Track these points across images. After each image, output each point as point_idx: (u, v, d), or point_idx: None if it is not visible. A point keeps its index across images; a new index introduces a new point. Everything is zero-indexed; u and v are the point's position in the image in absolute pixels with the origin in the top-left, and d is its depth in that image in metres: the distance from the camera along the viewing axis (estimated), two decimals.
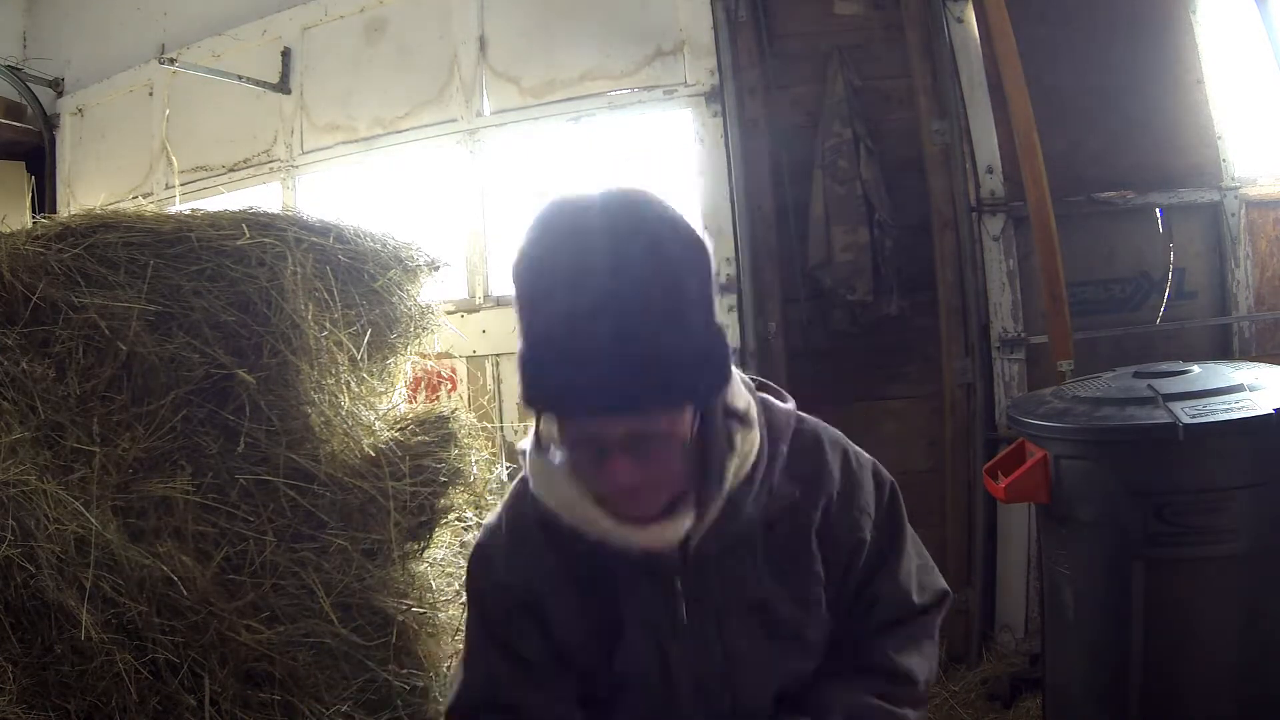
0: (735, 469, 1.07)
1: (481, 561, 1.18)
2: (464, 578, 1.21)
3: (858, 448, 1.23)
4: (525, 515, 1.13)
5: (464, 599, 2.50)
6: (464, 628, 1.20)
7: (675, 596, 1.11)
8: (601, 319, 0.91)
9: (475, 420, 2.66)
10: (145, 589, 1.76)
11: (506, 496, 1.20)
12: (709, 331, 0.98)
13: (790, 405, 1.19)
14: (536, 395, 0.98)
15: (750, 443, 1.09)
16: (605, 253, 0.93)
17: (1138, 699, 1.90)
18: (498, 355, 3.56)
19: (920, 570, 1.24)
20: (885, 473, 1.23)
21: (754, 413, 1.11)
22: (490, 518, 1.20)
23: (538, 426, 1.07)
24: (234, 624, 1.83)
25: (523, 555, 1.14)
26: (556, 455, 1.04)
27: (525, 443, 1.14)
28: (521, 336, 0.98)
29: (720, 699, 1.14)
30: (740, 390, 1.10)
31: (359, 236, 2.44)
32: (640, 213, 0.96)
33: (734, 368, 1.07)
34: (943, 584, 1.26)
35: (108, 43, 4.48)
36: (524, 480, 1.15)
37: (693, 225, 0.98)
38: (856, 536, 1.17)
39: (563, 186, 1.00)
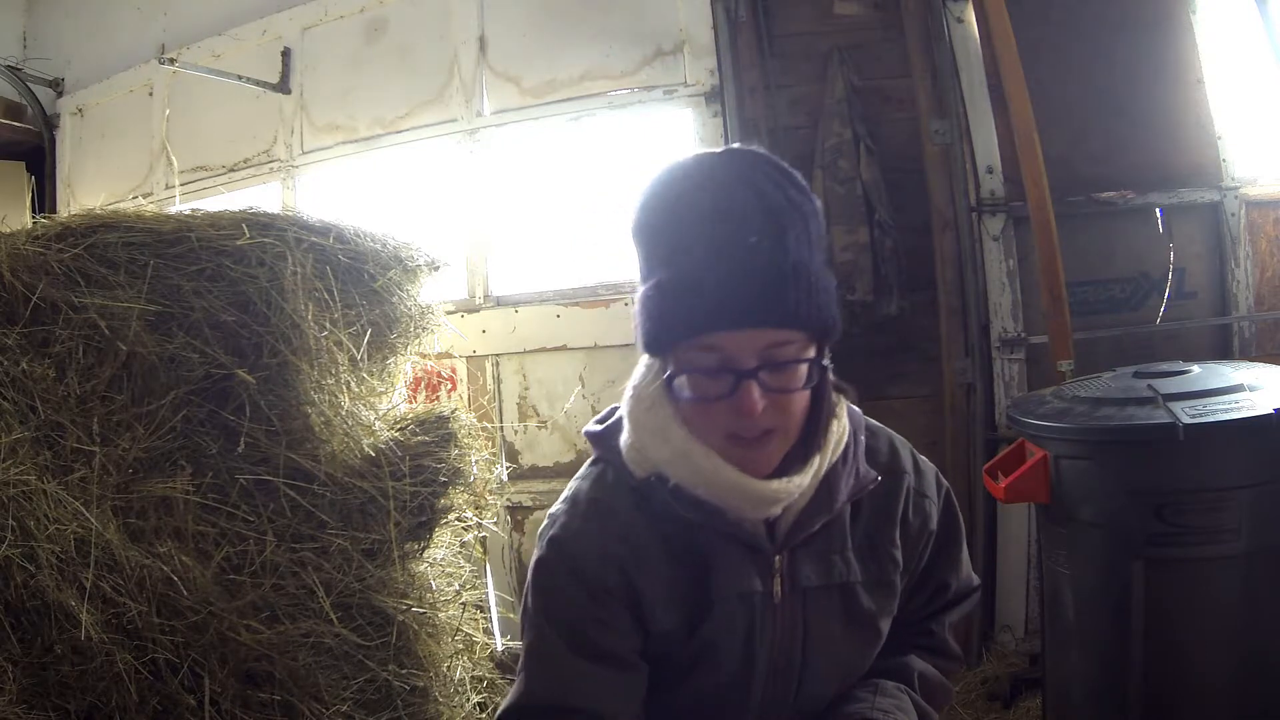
0: (835, 441, 1.09)
1: (558, 550, 1.10)
2: (530, 579, 1.12)
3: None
4: (610, 492, 1.10)
5: (464, 599, 2.51)
6: (523, 631, 1.13)
7: (773, 575, 1.10)
8: (748, 227, 0.94)
9: (475, 420, 2.66)
10: (145, 589, 1.76)
11: (578, 483, 1.15)
12: (829, 275, 1.01)
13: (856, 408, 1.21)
14: (674, 322, 0.97)
15: (843, 420, 1.11)
16: (741, 184, 0.97)
17: (1138, 699, 1.90)
18: (498, 355, 3.56)
19: (969, 561, 1.33)
20: (941, 476, 1.29)
21: (841, 396, 1.13)
22: (560, 507, 1.14)
23: (664, 372, 1.02)
24: (234, 624, 1.83)
25: (612, 532, 1.08)
26: (683, 392, 1.01)
27: (592, 425, 1.15)
28: (653, 274, 1.00)
29: (789, 682, 1.14)
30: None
31: (359, 236, 2.44)
32: (761, 159, 1.01)
33: None
34: (976, 576, 1.35)
35: (108, 43, 4.48)
36: (597, 462, 1.14)
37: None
38: (927, 526, 1.21)
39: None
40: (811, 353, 1.00)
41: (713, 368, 0.97)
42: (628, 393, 1.10)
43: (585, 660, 1.07)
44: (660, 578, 1.08)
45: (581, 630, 1.07)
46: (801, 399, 1.01)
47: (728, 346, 0.96)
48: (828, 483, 1.09)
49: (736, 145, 1.04)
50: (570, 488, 1.15)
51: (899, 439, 1.24)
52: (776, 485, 1.03)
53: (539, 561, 1.11)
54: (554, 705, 1.07)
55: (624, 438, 1.09)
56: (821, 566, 1.11)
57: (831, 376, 1.09)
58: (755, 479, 1.02)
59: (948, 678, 1.29)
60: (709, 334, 0.96)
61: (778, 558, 1.09)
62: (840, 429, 1.10)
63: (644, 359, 1.08)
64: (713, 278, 0.94)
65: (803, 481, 1.05)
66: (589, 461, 1.17)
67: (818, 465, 1.07)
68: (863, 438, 1.16)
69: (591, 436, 1.15)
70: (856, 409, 1.19)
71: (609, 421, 1.14)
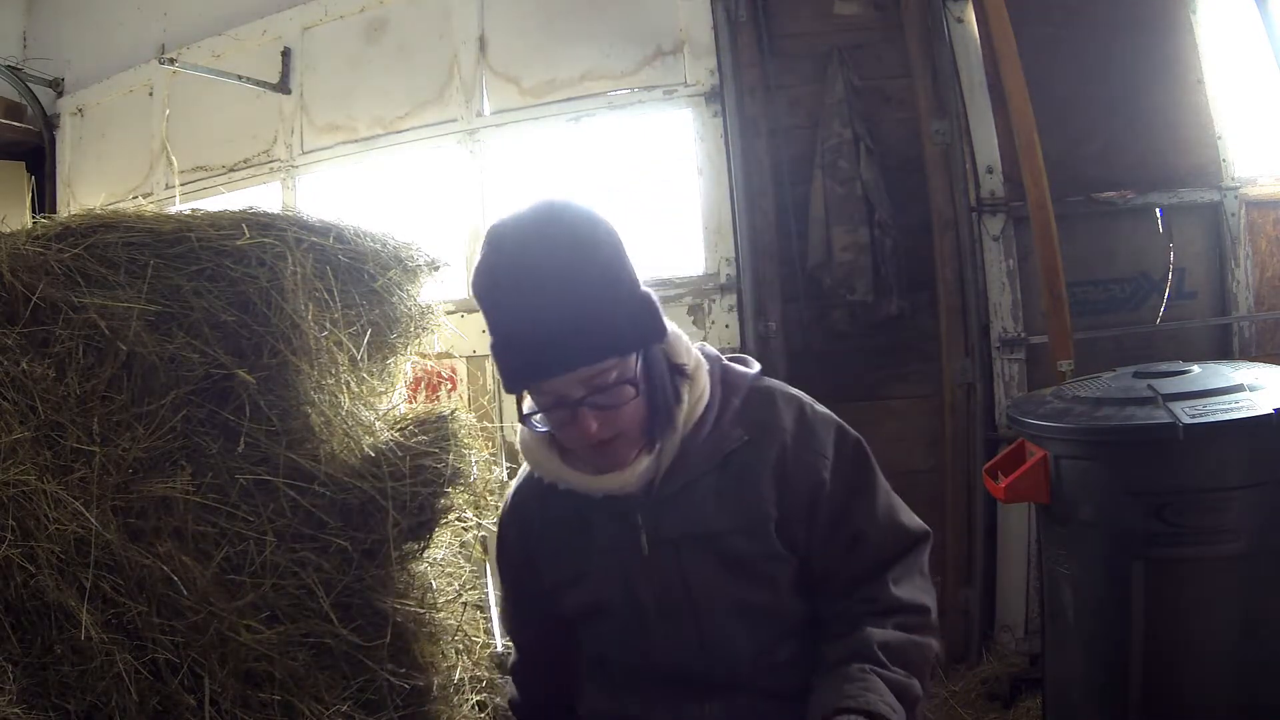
0: (685, 416, 1.27)
1: (502, 511, 1.50)
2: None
3: (820, 406, 1.36)
4: (523, 481, 1.44)
5: (466, 594, 2.52)
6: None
7: (636, 529, 1.29)
8: (541, 294, 1.16)
9: (475, 420, 2.65)
10: (145, 589, 1.75)
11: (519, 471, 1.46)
12: (634, 296, 1.21)
13: (753, 370, 1.38)
14: (510, 376, 1.21)
15: (697, 393, 1.29)
16: (538, 247, 1.18)
17: (1138, 699, 1.90)
18: None
19: (899, 509, 1.37)
20: (850, 430, 1.37)
21: (702, 370, 1.31)
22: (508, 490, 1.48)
23: (519, 405, 1.28)
24: (234, 624, 1.83)
25: (520, 516, 1.43)
26: (540, 426, 1.27)
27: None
28: (488, 334, 1.23)
29: (686, 622, 1.30)
30: (684, 350, 1.30)
31: (359, 236, 2.43)
32: (561, 213, 1.21)
33: (679, 333, 1.30)
34: (921, 523, 1.38)
35: (108, 43, 4.48)
36: None
37: (604, 217, 1.23)
38: (813, 478, 1.30)
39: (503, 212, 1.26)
40: (634, 364, 1.20)
41: (549, 405, 1.22)
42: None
43: (510, 590, 1.53)
44: (548, 542, 1.38)
45: (504, 571, 1.52)
46: (634, 406, 1.22)
47: (554, 388, 1.19)
48: (684, 450, 1.27)
49: (542, 201, 1.23)
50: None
51: (788, 398, 1.35)
52: (612, 478, 1.26)
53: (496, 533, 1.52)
54: (509, 630, 1.61)
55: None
56: (684, 519, 1.28)
57: (682, 360, 1.28)
58: (594, 476, 1.27)
59: (918, 632, 1.28)
60: (533, 383, 1.20)
61: (639, 515, 1.28)
62: (693, 402, 1.28)
63: None
64: (522, 337, 1.17)
65: (636, 470, 1.25)
66: None
67: (662, 446, 1.26)
68: (736, 401, 1.31)
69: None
70: (745, 371, 1.36)
71: None
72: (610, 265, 1.19)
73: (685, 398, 1.27)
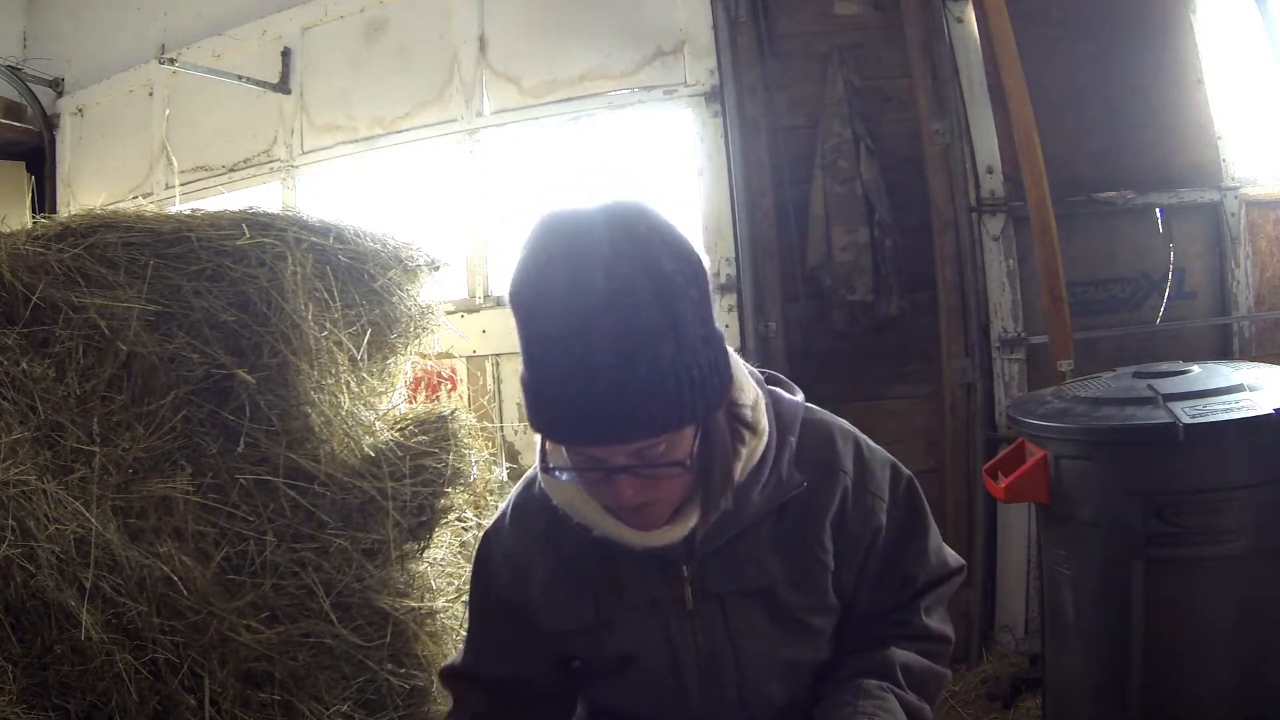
0: (742, 466, 1.10)
1: (483, 545, 1.26)
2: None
3: (871, 440, 1.27)
4: (530, 503, 1.21)
5: (466, 594, 2.51)
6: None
7: (681, 582, 1.15)
8: (597, 345, 0.91)
9: (475, 420, 2.65)
10: (145, 589, 1.76)
11: (520, 484, 1.26)
12: (707, 346, 0.98)
13: (799, 397, 1.22)
14: (539, 422, 0.99)
15: (757, 440, 1.11)
16: (600, 274, 0.92)
17: (1138, 699, 1.90)
18: (498, 355, 3.56)
19: (943, 547, 1.31)
20: (903, 468, 1.28)
21: (761, 409, 1.12)
22: (502, 504, 1.27)
23: (544, 445, 1.06)
24: (234, 624, 1.83)
25: (518, 558, 1.21)
26: (564, 476, 1.05)
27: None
28: (522, 359, 0.99)
29: (727, 681, 1.19)
30: (746, 386, 1.11)
31: (359, 236, 2.44)
32: (635, 231, 0.96)
33: (739, 363, 1.11)
34: (959, 558, 1.33)
35: (108, 43, 4.48)
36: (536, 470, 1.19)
37: (687, 238, 1.00)
38: (873, 523, 1.21)
39: (560, 199, 1.00)
40: (687, 438, 1.00)
41: (582, 465, 1.01)
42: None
43: (487, 635, 1.27)
44: (557, 585, 1.18)
45: (483, 613, 1.27)
46: (680, 479, 1.03)
47: (591, 450, 0.99)
48: (736, 499, 1.10)
49: (618, 206, 0.98)
50: (517, 484, 1.26)
51: (844, 434, 1.23)
52: (657, 534, 1.07)
53: (476, 551, 1.29)
54: (467, 673, 1.28)
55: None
56: (735, 573, 1.15)
57: (743, 400, 1.09)
58: (636, 530, 1.07)
59: (938, 661, 1.26)
60: (567, 444, 1.00)
61: (685, 568, 1.15)
62: (751, 450, 1.11)
63: None
64: (564, 396, 0.94)
65: (685, 529, 1.07)
66: (534, 465, 1.21)
67: (717, 508, 1.09)
68: (792, 440, 1.16)
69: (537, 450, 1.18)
70: (795, 401, 1.20)
71: None
72: (686, 310, 0.95)
73: (745, 448, 1.10)
